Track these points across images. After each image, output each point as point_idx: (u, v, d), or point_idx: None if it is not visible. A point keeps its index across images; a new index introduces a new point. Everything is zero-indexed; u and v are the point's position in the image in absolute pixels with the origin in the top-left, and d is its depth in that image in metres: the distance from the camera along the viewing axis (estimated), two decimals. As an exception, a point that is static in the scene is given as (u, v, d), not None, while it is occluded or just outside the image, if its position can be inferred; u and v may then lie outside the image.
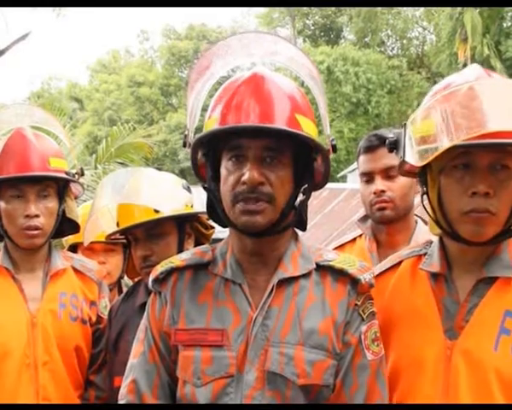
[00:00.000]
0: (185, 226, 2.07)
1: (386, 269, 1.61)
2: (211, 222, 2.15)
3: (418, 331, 1.47)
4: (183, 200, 2.08)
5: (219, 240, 1.56)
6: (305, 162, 1.43)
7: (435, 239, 1.54)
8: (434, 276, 1.50)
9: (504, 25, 25.10)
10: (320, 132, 1.47)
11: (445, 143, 1.31)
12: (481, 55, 22.61)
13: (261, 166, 1.37)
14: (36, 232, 1.98)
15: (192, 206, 2.10)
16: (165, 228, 2.02)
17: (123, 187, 2.17)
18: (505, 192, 1.38)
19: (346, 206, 11.49)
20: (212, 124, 1.40)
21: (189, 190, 2.13)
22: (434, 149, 1.33)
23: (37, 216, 1.98)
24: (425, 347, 1.45)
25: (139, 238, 2.03)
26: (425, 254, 1.55)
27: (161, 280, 1.50)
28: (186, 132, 1.47)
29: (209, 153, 1.45)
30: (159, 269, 1.51)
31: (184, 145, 1.47)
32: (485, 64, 20.39)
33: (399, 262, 1.60)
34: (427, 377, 1.43)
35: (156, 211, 2.01)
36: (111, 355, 2.05)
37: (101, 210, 2.37)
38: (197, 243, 2.07)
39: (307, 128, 1.40)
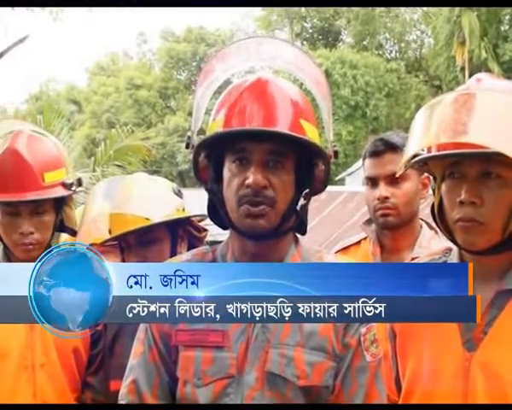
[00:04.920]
0: (177, 231, 2.07)
1: None
2: (203, 225, 2.15)
3: (436, 341, 1.45)
4: (174, 204, 2.08)
5: (217, 242, 1.56)
6: (307, 167, 1.44)
7: (455, 247, 1.50)
8: None
9: (502, 28, 25.18)
10: (319, 135, 1.47)
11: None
12: (479, 58, 22.69)
13: (265, 170, 1.38)
14: (31, 247, 1.98)
15: (184, 209, 2.10)
16: (157, 234, 2.03)
17: (114, 194, 2.17)
18: (496, 201, 1.35)
19: (343, 209, 11.49)
20: (216, 126, 1.41)
21: (179, 194, 2.13)
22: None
23: (31, 233, 1.97)
24: (443, 358, 1.43)
25: (132, 245, 2.04)
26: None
27: None
28: (189, 134, 1.47)
29: (211, 155, 1.46)
30: None
31: (187, 147, 1.47)
32: (483, 67, 20.45)
33: None
34: (445, 388, 1.41)
35: (147, 218, 2.01)
36: (107, 359, 2.05)
37: (96, 216, 2.37)
38: (190, 247, 2.06)
39: (311, 133, 1.41)
